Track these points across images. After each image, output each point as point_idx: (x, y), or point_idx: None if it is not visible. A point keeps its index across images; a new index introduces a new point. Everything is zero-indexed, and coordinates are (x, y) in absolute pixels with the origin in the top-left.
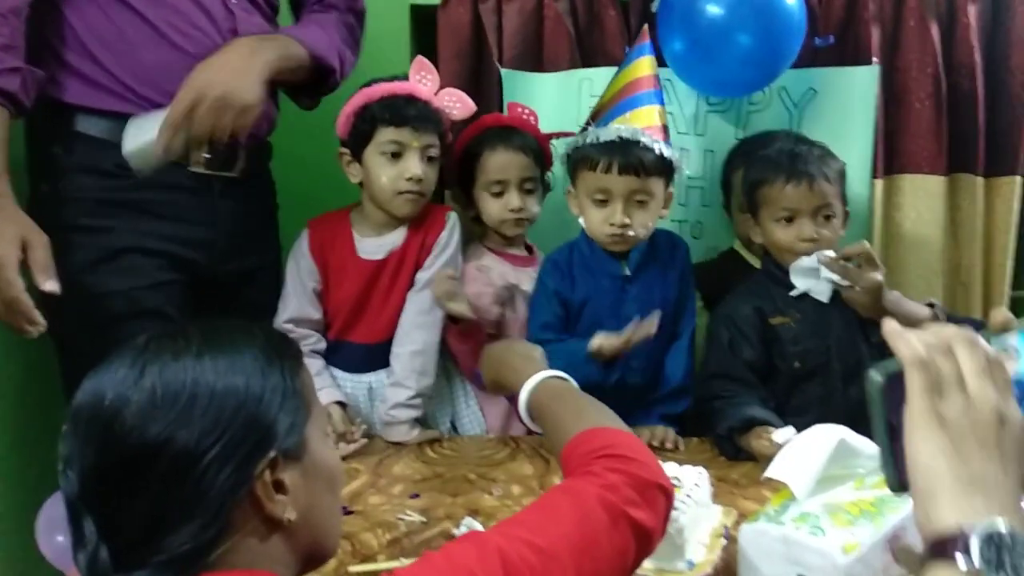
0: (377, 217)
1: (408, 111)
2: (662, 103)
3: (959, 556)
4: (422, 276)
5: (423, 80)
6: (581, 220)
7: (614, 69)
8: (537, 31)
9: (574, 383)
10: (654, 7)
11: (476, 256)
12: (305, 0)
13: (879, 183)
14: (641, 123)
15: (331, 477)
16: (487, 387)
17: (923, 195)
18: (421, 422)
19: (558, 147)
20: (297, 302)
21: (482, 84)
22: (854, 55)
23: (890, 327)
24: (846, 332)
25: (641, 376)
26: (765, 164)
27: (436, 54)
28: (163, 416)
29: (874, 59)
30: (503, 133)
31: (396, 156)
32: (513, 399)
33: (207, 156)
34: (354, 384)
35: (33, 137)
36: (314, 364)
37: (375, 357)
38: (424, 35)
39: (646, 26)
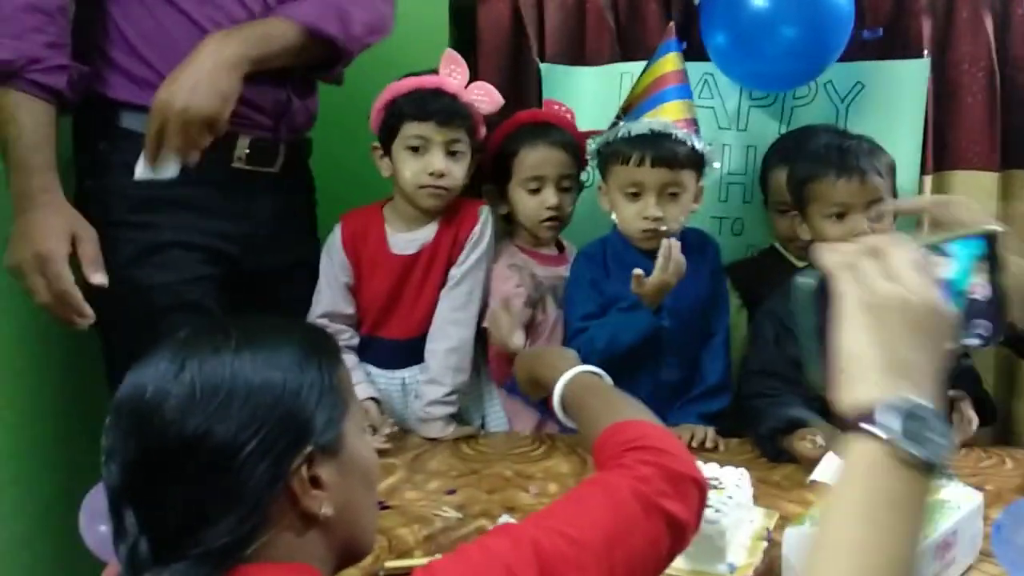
0: (408, 212)
1: (432, 105)
2: (690, 97)
3: (877, 426)
4: (456, 272)
5: (453, 74)
6: (613, 216)
7: None
8: (579, 25)
9: (608, 379)
10: (696, 0)
11: (507, 255)
12: None
13: (928, 179)
14: (671, 117)
15: (368, 472)
16: (521, 388)
17: (975, 192)
18: (457, 418)
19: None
20: (330, 297)
21: (522, 79)
22: (904, 48)
23: (815, 245)
24: None
25: (678, 371)
26: (814, 159)
27: (476, 49)
28: (201, 410)
29: (925, 52)
30: (540, 129)
31: (420, 150)
32: (546, 401)
33: (247, 151)
34: (387, 380)
35: (80, 133)
36: (348, 360)
37: (408, 353)
38: (464, 30)
39: (671, 23)
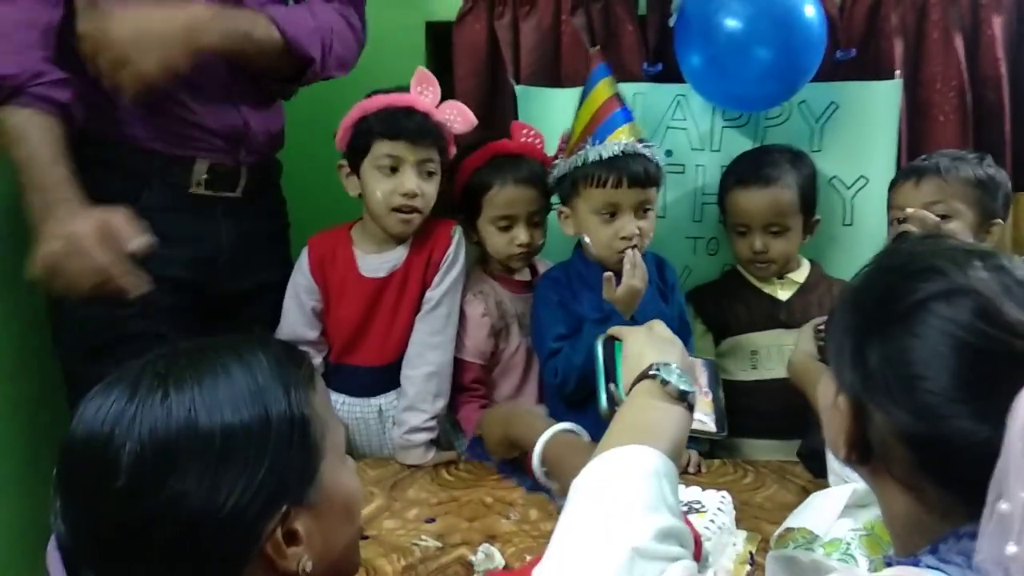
0: (378, 233)
1: (405, 124)
2: (632, 119)
3: (654, 373)
4: (432, 295)
5: (424, 92)
6: (585, 238)
7: (632, 84)
8: (554, 47)
9: (586, 435)
10: (671, 22)
11: (475, 280)
12: None
13: None
14: (630, 139)
15: (348, 507)
16: (490, 449)
17: None
18: (436, 442)
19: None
20: (292, 325)
21: (498, 101)
22: (876, 68)
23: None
24: None
25: None
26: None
27: (452, 71)
28: (159, 477)
29: (897, 72)
30: (511, 165)
31: (392, 170)
32: (516, 460)
33: (206, 176)
34: (363, 408)
35: None
36: None
37: (383, 379)
38: (440, 52)
39: (597, 47)
